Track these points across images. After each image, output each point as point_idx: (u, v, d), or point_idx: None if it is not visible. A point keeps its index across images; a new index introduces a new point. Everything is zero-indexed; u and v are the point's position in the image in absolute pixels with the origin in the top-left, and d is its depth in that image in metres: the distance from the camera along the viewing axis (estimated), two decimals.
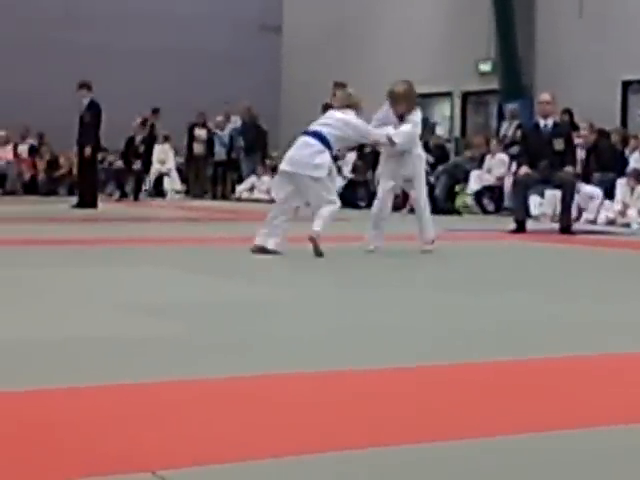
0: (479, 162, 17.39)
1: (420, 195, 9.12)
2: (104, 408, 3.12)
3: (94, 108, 16.55)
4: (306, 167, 8.34)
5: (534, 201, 14.67)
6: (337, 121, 8.57)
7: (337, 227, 8.85)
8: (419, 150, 9.05)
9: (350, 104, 8.75)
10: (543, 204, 14.79)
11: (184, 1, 25.39)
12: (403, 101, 8.80)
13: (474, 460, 2.65)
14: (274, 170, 21.54)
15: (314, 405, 3.23)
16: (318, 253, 8.06)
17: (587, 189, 14.70)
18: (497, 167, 16.96)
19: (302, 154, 8.43)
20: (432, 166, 17.69)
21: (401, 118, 8.79)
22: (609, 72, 17.71)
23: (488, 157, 17.22)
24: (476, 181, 16.97)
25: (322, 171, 8.40)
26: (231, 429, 2.89)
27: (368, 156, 17.97)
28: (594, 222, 14.21)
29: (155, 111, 21.82)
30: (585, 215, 14.37)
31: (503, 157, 16.92)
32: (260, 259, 8.19)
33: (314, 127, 8.61)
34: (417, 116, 8.94)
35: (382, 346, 4.38)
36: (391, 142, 8.67)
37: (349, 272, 7.60)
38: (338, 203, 8.50)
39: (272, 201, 20.04)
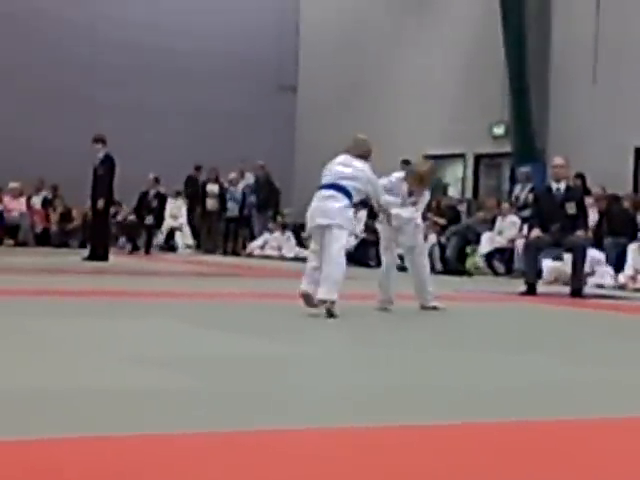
0: (491, 224, 17.42)
1: (422, 263, 9.10)
2: (111, 459, 3.11)
3: (108, 162, 16.65)
4: (336, 217, 8.22)
5: (546, 265, 14.66)
6: (361, 173, 8.41)
7: (347, 285, 8.83)
8: (419, 220, 9.11)
9: (366, 152, 8.68)
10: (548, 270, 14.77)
11: (201, 59, 25.63)
12: (420, 182, 8.88)
13: None
14: (284, 227, 21.66)
15: (324, 460, 3.21)
16: (330, 315, 8.03)
17: (591, 253, 14.67)
18: (508, 229, 16.98)
19: (332, 206, 8.25)
20: (443, 228, 17.73)
21: (410, 194, 8.85)
22: (622, 138, 17.78)
23: (499, 219, 17.25)
24: (487, 243, 16.98)
25: (350, 225, 8.46)
26: None
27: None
28: (601, 286, 14.17)
29: (198, 168, 22.30)
30: (591, 279, 14.30)
31: (515, 219, 16.95)
32: (270, 315, 8.18)
33: (338, 180, 8.39)
34: (426, 197, 9.11)
35: (395, 404, 4.36)
36: (388, 220, 8.73)
37: (362, 330, 7.58)
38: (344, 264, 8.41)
39: (283, 258, 20.28)
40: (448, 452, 3.42)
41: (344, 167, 8.50)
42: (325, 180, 8.48)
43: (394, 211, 8.71)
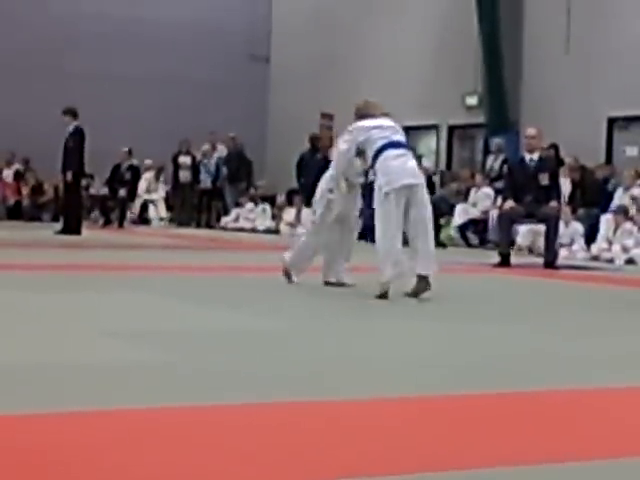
0: (464, 195, 17.44)
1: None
2: (83, 433, 3.09)
3: (78, 134, 16.55)
4: (421, 177, 7.87)
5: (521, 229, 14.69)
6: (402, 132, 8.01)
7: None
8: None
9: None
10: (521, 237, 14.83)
11: (172, 29, 25.44)
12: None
13: None
14: (259, 200, 21.59)
15: (301, 434, 3.21)
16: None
17: (573, 225, 14.75)
18: (482, 200, 17.01)
19: (413, 165, 7.79)
20: None
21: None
22: (595, 108, 17.81)
23: (473, 190, 17.27)
24: (461, 214, 17.01)
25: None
26: (212, 457, 2.86)
27: None
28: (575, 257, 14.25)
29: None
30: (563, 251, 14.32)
31: (488, 191, 16.98)
32: (245, 287, 8.16)
33: (398, 137, 7.86)
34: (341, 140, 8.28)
35: (368, 376, 4.36)
36: None
37: (331, 301, 7.57)
38: None
39: (255, 230, 20.23)
40: (429, 424, 3.42)
41: (393, 127, 7.96)
42: (386, 139, 7.78)
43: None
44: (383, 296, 7.53)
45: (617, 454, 3.10)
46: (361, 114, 8.16)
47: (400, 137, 7.92)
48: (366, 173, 8.31)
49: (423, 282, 7.68)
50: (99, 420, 3.31)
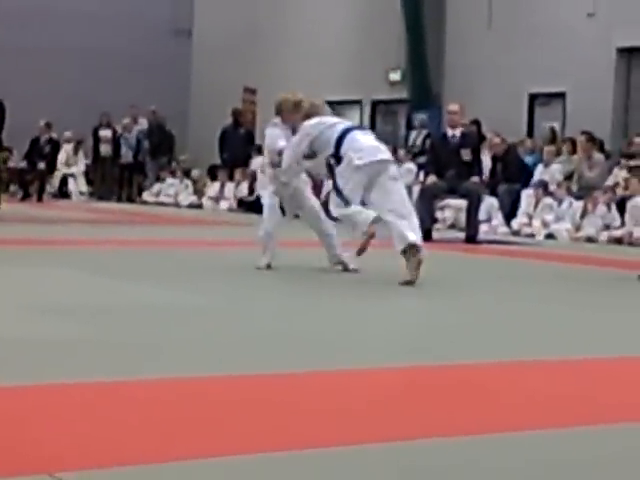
0: None
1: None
2: (6, 408, 3.03)
3: None
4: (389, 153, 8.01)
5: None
6: None
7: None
8: None
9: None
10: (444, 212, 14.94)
11: (93, 1, 25.04)
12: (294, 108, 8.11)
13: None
14: (185, 174, 21.42)
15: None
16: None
17: (487, 200, 14.86)
18: (405, 176, 17.05)
19: (378, 143, 7.91)
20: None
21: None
22: (516, 84, 17.96)
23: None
24: None
25: None
26: (137, 430, 2.83)
27: None
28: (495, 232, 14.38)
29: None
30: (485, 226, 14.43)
31: (411, 166, 17.04)
32: (164, 262, 8.09)
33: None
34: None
35: (286, 352, 4.36)
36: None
37: (273, 279, 7.55)
38: None
39: (177, 205, 20.09)
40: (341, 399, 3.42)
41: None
42: (344, 124, 7.94)
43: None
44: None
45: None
46: (309, 114, 8.03)
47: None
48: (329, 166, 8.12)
49: (414, 250, 7.31)
50: (21, 394, 3.25)
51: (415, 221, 7.45)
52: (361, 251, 7.63)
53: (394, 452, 2.74)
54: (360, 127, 8.02)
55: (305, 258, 8.33)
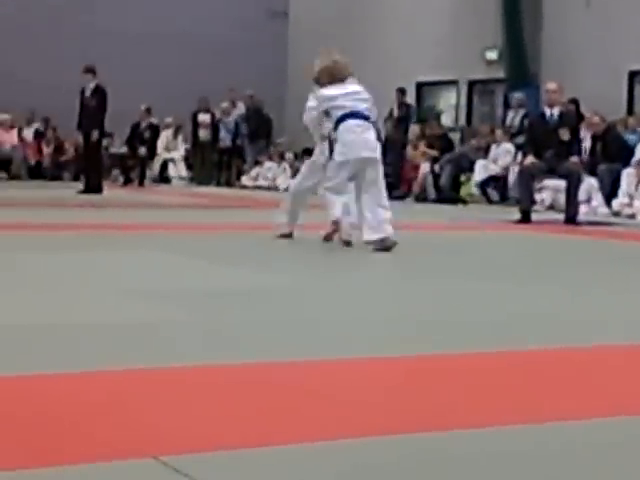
0: (484, 152, 17.36)
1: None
2: (108, 393, 3.13)
3: (100, 93, 16.52)
4: (377, 150, 8.06)
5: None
6: (367, 94, 8.16)
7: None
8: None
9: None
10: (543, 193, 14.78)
11: None
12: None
13: (473, 450, 2.65)
14: (282, 157, 21.57)
15: (313, 393, 3.24)
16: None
17: (587, 180, 14.66)
18: (503, 156, 16.93)
19: (371, 138, 8.00)
20: (435, 158, 17.67)
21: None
22: (616, 62, 17.66)
23: (494, 146, 17.19)
24: (481, 170, 16.95)
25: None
26: (233, 415, 2.90)
27: None
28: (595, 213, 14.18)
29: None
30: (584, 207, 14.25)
31: (508, 146, 16.89)
32: (269, 245, 8.20)
33: (359, 107, 7.99)
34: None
35: (382, 336, 4.39)
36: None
37: (357, 262, 7.59)
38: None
39: (275, 188, 20.23)
40: (432, 383, 3.44)
41: (359, 94, 8.11)
42: (347, 108, 7.96)
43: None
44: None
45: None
46: (329, 79, 8.16)
47: (364, 105, 8.04)
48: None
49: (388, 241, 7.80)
50: (116, 379, 3.34)
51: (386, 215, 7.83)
52: (326, 239, 8.18)
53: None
54: (358, 114, 7.94)
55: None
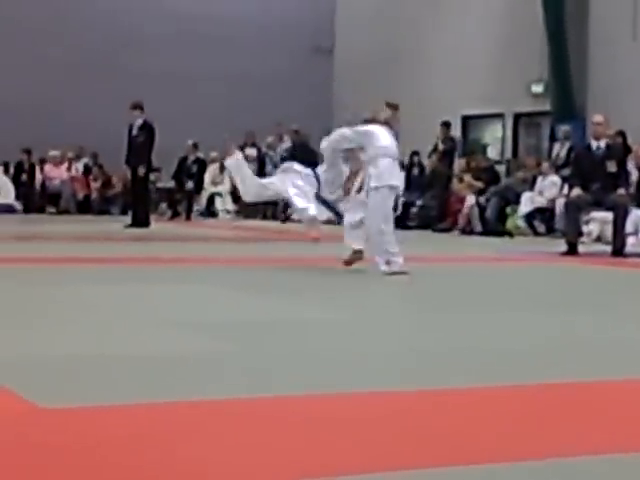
0: (531, 184, 17.30)
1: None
2: (149, 425, 3.15)
3: (147, 128, 16.70)
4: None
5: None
6: None
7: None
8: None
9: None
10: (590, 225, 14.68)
11: (234, 22, 25.52)
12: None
13: None
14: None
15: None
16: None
17: (635, 212, 14.53)
18: (549, 189, 16.86)
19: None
20: (481, 189, 17.62)
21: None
22: None
23: (540, 178, 17.12)
24: (527, 203, 16.88)
25: None
26: (274, 447, 2.91)
27: None
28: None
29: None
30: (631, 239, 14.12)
31: (555, 179, 16.82)
32: (312, 279, 8.22)
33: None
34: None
35: (439, 367, 4.39)
36: None
37: (404, 292, 7.59)
38: None
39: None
40: (479, 414, 3.44)
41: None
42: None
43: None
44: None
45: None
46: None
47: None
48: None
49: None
50: (162, 412, 3.37)
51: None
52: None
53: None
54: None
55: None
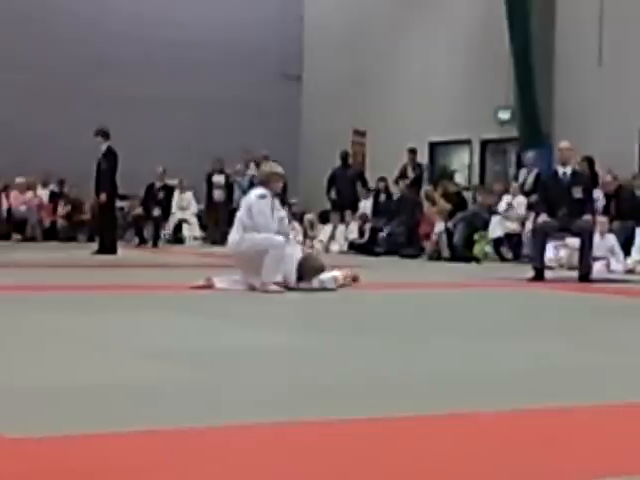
0: (492, 211, 17.37)
1: None
2: (121, 455, 3.11)
3: (111, 155, 16.70)
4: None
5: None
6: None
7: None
8: None
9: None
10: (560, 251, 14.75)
11: (203, 49, 25.54)
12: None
13: None
14: (296, 218, 21.62)
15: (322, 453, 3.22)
16: None
17: (609, 239, 14.62)
18: (518, 206, 16.93)
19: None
20: (450, 214, 17.69)
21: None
22: (627, 120, 17.71)
23: (507, 197, 17.19)
24: (496, 227, 16.91)
25: None
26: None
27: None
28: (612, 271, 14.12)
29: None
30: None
31: (522, 199, 16.96)
32: (281, 305, 8.18)
33: None
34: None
35: (401, 392, 4.37)
36: None
37: (366, 320, 7.57)
38: None
39: None
40: (448, 442, 3.42)
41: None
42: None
43: None
44: None
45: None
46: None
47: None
48: None
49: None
50: (135, 441, 3.33)
51: None
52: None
53: None
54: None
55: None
